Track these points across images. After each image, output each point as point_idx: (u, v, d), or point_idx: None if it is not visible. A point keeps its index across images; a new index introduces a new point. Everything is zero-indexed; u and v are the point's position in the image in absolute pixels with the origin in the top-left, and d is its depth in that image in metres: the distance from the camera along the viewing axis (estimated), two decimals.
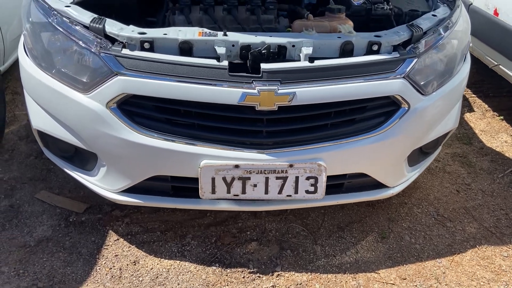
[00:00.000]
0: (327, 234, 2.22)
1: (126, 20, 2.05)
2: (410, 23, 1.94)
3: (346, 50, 1.81)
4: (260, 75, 1.68)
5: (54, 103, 1.85)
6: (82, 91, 1.75)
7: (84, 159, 1.98)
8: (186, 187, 1.89)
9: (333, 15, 1.99)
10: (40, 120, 1.95)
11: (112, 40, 1.76)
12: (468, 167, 2.80)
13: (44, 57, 1.84)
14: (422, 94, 1.87)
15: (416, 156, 2.13)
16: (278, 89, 1.67)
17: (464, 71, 2.10)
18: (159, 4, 2.22)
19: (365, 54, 1.83)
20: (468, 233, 2.27)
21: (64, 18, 1.81)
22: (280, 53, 1.79)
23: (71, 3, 1.95)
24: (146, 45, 1.73)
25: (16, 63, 3.23)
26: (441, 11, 2.10)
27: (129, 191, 1.91)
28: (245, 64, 1.79)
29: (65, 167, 2.06)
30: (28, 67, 1.90)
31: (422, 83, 1.86)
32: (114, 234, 2.17)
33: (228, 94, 1.67)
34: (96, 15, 1.82)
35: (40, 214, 2.26)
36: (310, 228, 2.25)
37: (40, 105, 1.92)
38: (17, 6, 3.05)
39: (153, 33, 1.75)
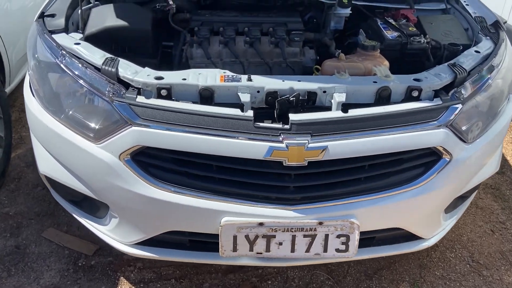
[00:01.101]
0: (355, 284, 2.06)
1: (141, 51, 1.91)
2: (452, 62, 1.77)
3: (383, 96, 1.63)
4: (288, 127, 1.52)
5: (62, 151, 1.70)
6: (93, 140, 1.60)
7: (95, 206, 1.84)
8: (205, 240, 1.74)
9: (366, 53, 1.81)
10: (47, 165, 1.80)
11: (126, 83, 1.61)
12: (502, 202, 2.62)
13: (51, 101, 1.70)
14: (465, 142, 1.69)
15: (453, 202, 1.96)
16: (309, 143, 1.50)
17: (508, 112, 1.92)
18: (176, 33, 2.05)
19: (403, 100, 1.67)
20: (506, 283, 2.10)
21: (73, 59, 1.66)
22: (309, 99, 1.63)
23: (80, 38, 1.80)
24: (163, 92, 1.57)
25: (23, 80, 3.11)
26: (484, 45, 1.91)
27: (143, 243, 1.77)
28: (271, 108, 1.63)
29: (74, 213, 1.92)
30: (35, 110, 1.75)
31: (466, 130, 1.69)
32: (126, 281, 2.03)
33: (253, 148, 1.51)
34: (108, 56, 1.67)
35: (47, 256, 2.13)
36: (336, 275, 2.10)
37: (47, 150, 1.78)
38: (22, 25, 2.91)
39: (170, 78, 1.60)
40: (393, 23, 2.04)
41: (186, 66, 1.96)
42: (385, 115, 1.57)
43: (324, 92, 1.62)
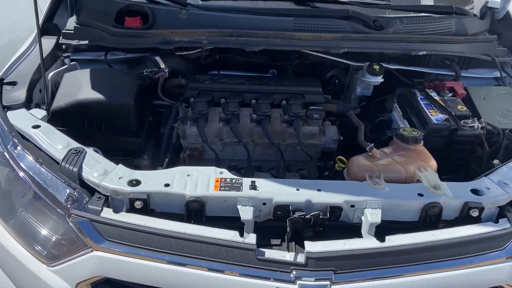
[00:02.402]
0: None
1: (121, 128, 1.53)
2: None
3: (431, 214, 1.23)
4: (303, 262, 1.12)
5: (7, 265, 1.32)
6: (44, 260, 1.21)
7: None
8: None
9: (406, 146, 1.40)
10: None
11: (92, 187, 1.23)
12: None
13: None
14: None
15: None
16: (331, 285, 1.10)
17: None
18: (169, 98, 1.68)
19: (456, 217, 1.26)
20: None
21: (25, 151, 1.28)
22: (332, 215, 1.22)
23: (43, 117, 1.43)
24: (138, 204, 1.18)
25: None
26: None
27: None
28: (280, 220, 1.23)
29: None
30: None
31: None
32: None
33: None
34: (73, 145, 1.29)
35: None
36: None
37: None
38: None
39: (149, 183, 1.20)
40: (437, 98, 1.63)
41: (177, 147, 1.59)
42: (435, 246, 1.16)
43: (353, 206, 1.22)
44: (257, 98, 1.63)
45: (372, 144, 1.38)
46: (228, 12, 1.72)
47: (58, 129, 1.41)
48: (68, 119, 1.48)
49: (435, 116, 1.54)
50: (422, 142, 1.41)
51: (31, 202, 1.26)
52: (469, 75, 1.83)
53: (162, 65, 1.66)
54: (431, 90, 1.69)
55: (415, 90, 1.70)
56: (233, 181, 1.24)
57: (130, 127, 1.53)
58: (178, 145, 1.59)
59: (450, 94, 1.67)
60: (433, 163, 1.35)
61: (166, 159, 1.56)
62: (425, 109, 1.57)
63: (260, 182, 1.24)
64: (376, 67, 1.70)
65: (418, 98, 1.64)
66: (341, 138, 1.62)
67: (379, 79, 1.73)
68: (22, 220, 1.26)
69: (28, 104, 1.47)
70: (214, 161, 1.56)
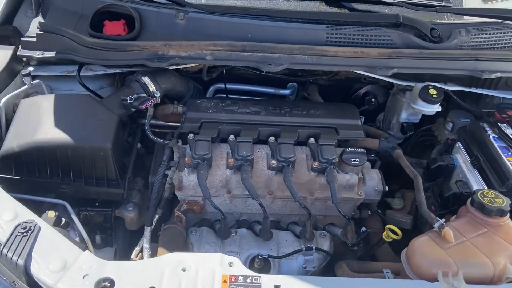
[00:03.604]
0: None
1: (95, 177, 1.14)
2: None
3: None
4: None
5: None
6: None
7: None
8: None
9: (485, 218, 1.01)
10: None
11: None
12: None
13: None
14: None
15: None
16: None
17: None
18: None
19: None
20: None
21: None
22: None
23: None
24: None
25: None
26: None
27: None
28: None
29: None
30: None
31: None
32: None
33: None
34: (22, 221, 0.91)
35: None
36: None
37: None
38: None
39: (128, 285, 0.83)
40: None
41: (171, 203, 1.22)
42: None
43: None
44: (276, 134, 1.23)
45: (443, 220, 0.99)
46: (239, 17, 1.31)
47: (9, 178, 1.06)
48: (23, 166, 1.09)
49: None
50: (508, 215, 1.02)
51: None
52: None
53: (152, 88, 1.25)
54: (505, 124, 1.29)
55: (484, 124, 1.30)
56: (248, 281, 0.86)
57: (108, 175, 1.14)
58: (171, 197, 1.22)
59: None
60: None
61: (156, 216, 1.19)
62: (503, 156, 1.18)
63: (287, 283, 0.86)
64: (433, 92, 1.30)
65: (491, 138, 1.24)
66: (387, 188, 1.24)
67: (435, 108, 1.32)
68: None
69: None
70: (218, 214, 1.19)
